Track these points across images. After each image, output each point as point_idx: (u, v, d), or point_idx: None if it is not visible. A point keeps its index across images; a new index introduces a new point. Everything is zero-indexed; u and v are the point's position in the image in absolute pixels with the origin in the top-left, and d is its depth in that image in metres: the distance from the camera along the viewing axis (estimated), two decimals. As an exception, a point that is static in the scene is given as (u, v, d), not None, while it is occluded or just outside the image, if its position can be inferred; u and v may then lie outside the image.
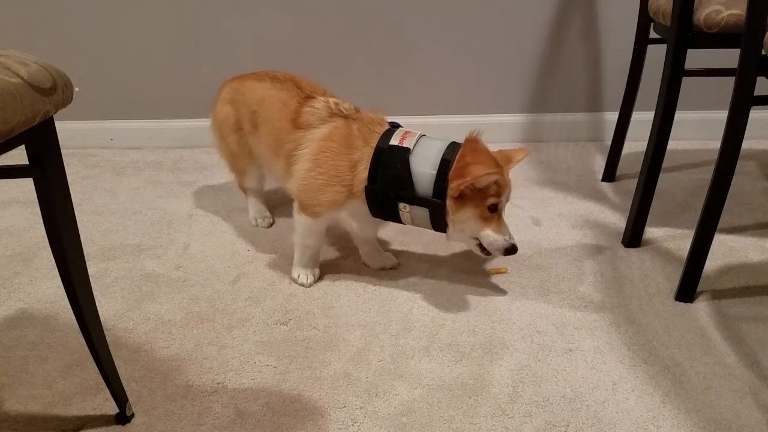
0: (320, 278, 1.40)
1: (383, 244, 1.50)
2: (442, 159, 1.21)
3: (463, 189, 1.18)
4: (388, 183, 1.23)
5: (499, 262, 1.46)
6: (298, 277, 1.38)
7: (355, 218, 1.33)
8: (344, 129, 1.29)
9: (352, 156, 1.26)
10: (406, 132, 1.27)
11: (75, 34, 2.11)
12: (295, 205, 1.36)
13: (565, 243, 1.53)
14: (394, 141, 1.25)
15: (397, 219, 1.29)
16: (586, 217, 1.67)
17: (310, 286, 1.37)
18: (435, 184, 1.21)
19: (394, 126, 1.31)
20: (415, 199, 1.23)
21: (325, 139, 1.29)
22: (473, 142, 1.22)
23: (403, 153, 1.23)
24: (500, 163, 1.23)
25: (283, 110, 1.37)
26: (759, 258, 1.44)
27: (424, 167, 1.22)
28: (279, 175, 1.44)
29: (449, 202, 1.21)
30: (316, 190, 1.29)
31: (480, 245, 1.26)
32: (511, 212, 1.68)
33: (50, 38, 2.12)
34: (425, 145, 1.24)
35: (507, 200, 1.26)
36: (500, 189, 1.22)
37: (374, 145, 1.25)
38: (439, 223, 1.25)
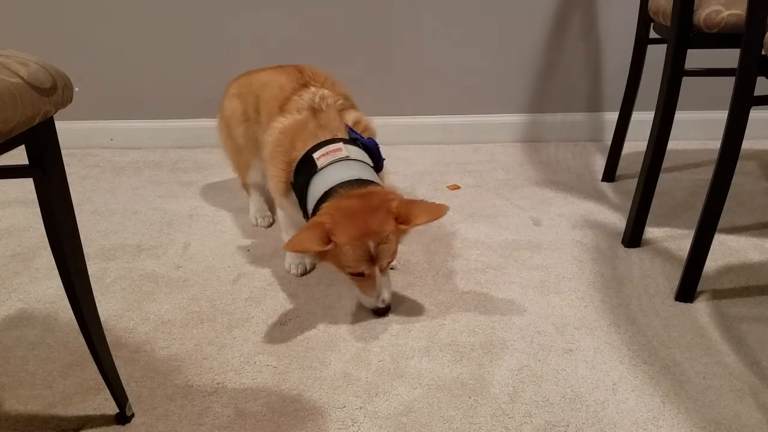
0: (320, 278, 1.40)
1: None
2: (324, 193, 1.17)
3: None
4: (298, 189, 1.24)
5: (452, 179, 1.67)
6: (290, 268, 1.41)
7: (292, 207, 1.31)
8: (300, 124, 1.27)
9: (291, 155, 1.25)
10: (335, 149, 1.20)
11: (75, 34, 2.11)
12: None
13: (565, 243, 1.53)
14: (317, 154, 1.20)
15: None
16: (586, 217, 1.67)
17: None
18: (312, 215, 1.18)
19: (351, 134, 1.27)
20: (306, 216, 1.23)
21: (282, 132, 1.28)
22: (343, 199, 1.13)
23: (312, 169, 1.20)
24: (370, 229, 1.10)
25: (278, 95, 1.36)
26: (759, 258, 1.44)
27: (313, 193, 1.20)
28: None
29: None
30: (270, 177, 1.30)
31: None
32: (511, 212, 1.69)
33: (50, 38, 2.12)
34: (328, 174, 1.18)
35: (390, 259, 1.18)
36: (356, 263, 1.13)
37: (305, 150, 1.23)
38: None
